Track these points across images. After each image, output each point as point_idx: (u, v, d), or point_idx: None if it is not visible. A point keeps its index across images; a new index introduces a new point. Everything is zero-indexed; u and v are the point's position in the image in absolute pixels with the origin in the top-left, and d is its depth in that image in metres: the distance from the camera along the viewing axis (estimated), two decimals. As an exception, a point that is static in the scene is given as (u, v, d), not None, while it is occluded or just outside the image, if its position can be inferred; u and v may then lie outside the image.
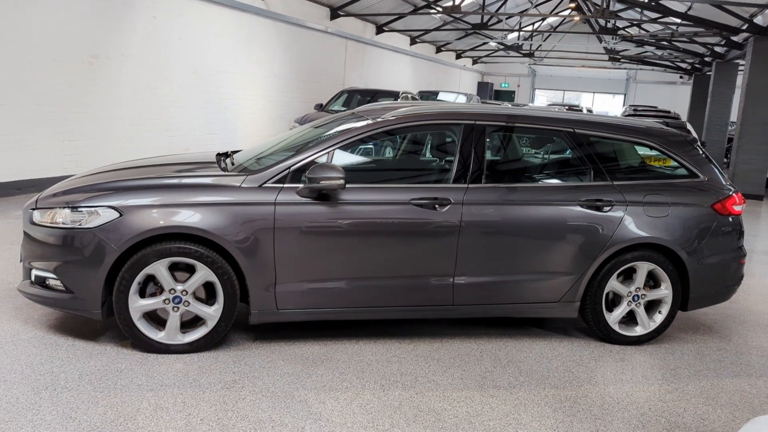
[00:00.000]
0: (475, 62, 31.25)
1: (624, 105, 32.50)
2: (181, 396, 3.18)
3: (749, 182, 12.97)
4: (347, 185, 3.78)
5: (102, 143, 9.26)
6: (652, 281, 4.36)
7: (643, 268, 4.24)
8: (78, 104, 8.77)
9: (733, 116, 19.88)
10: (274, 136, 4.69)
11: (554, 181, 4.33)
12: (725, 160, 19.81)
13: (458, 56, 28.04)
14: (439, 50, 25.31)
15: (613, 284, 4.23)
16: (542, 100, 34.85)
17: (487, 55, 29.76)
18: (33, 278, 3.73)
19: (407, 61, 22.08)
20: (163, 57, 10.36)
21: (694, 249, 4.25)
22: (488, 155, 4.22)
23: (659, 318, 4.35)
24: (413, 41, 22.06)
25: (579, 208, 4.11)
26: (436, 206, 3.91)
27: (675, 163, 4.47)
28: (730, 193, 4.43)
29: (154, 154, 9.26)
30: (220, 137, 12.11)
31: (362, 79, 18.00)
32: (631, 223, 4.15)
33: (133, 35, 9.67)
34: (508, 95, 33.43)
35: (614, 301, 4.34)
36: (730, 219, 4.40)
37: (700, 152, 4.51)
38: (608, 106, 34.51)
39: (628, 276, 4.31)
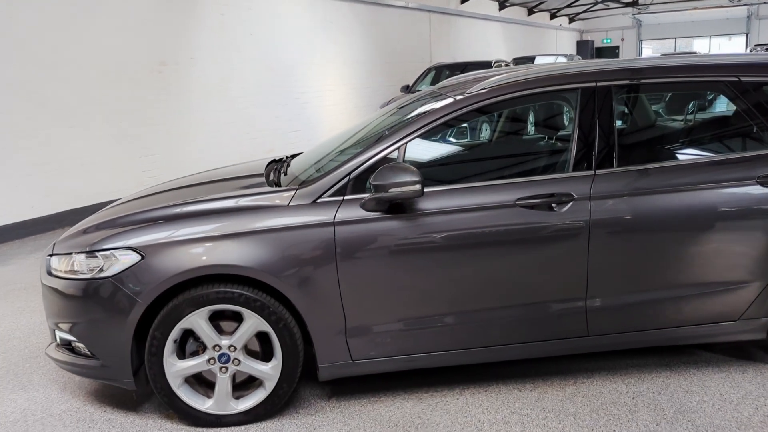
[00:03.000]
0: (572, 20, 28.90)
1: (747, 46, 28.96)
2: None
3: None
4: (426, 189, 2.82)
5: (180, 154, 8.81)
6: None
7: None
8: (150, 116, 8.33)
9: None
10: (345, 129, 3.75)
11: (715, 154, 3.13)
12: None
13: (553, 16, 25.97)
14: (531, 12, 23.49)
15: (817, 288, 2.99)
16: (649, 53, 31.79)
17: (585, 11, 27.38)
18: (58, 340, 3.06)
19: (497, 28, 20.56)
20: (235, 55, 9.78)
21: None
22: (619, 127, 3.10)
23: None
24: (502, 6, 20.49)
25: (759, 188, 2.90)
26: (553, 205, 2.85)
27: None
28: None
29: (236, 161, 8.69)
30: (304, 134, 11.45)
31: (450, 52, 16.80)
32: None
33: (201, 36, 9.13)
34: (611, 52, 30.73)
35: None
36: None
37: None
38: (727, 49, 30.93)
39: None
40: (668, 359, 3.29)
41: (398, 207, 2.81)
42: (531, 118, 3.73)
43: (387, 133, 3.00)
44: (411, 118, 3.04)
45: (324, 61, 12.00)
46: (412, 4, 14.81)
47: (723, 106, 3.14)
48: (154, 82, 8.37)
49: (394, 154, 2.91)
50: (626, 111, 3.28)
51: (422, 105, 3.24)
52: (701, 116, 3.79)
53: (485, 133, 3.91)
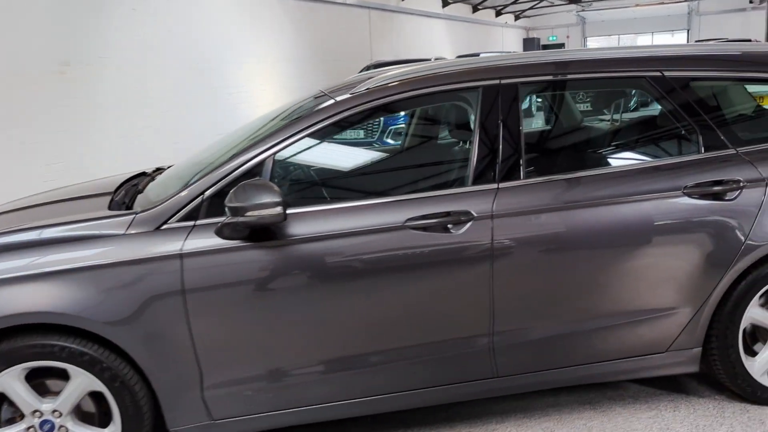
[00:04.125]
0: (517, 18, 28.85)
1: (688, 41, 29.44)
2: None
3: None
4: (298, 210, 2.33)
5: (89, 162, 8.08)
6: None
7: (802, 282, 2.61)
8: (52, 122, 7.59)
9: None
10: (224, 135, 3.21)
11: (637, 162, 2.72)
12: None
13: (498, 13, 25.80)
14: (475, 9, 23.24)
15: (755, 313, 2.62)
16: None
17: (530, 8, 27.34)
18: None
19: (441, 25, 20.21)
20: (152, 54, 9.09)
21: None
22: (528, 131, 2.66)
23: (834, 357, 2.72)
24: (445, 3, 20.15)
25: (686, 200, 2.50)
26: (449, 226, 2.39)
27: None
28: None
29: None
30: (234, 136, 10.81)
31: (392, 50, 16.35)
32: (778, 212, 2.52)
33: (111, 34, 8.41)
34: (557, 49, 30.93)
35: (757, 338, 2.73)
36: None
37: None
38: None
39: (771, 297, 2.70)
40: (592, 395, 2.87)
41: (262, 233, 2.30)
42: (430, 122, 3.26)
43: (251, 142, 2.49)
44: (282, 124, 2.54)
45: (255, 60, 11.39)
46: (350, 0, 14.30)
47: (654, 105, 2.74)
48: (56, 84, 7.63)
49: (266, 168, 2.40)
50: (540, 111, 2.85)
51: (302, 109, 2.74)
52: (626, 118, 3.39)
53: (373, 142, 3.43)
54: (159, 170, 3.28)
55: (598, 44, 32.85)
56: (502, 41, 26.86)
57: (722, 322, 2.60)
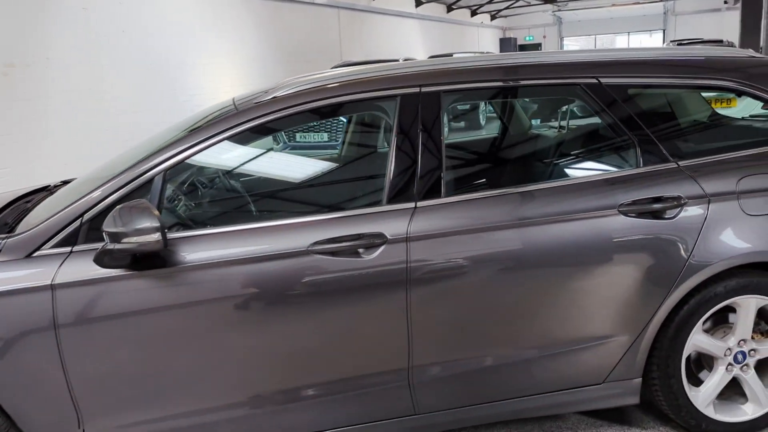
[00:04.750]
0: (493, 17, 28.74)
1: (664, 42, 29.55)
2: None
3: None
4: (189, 234, 2.09)
5: (38, 168, 7.74)
6: (767, 324, 2.54)
7: (749, 305, 2.41)
8: (-5, 126, 7.27)
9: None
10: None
11: (571, 176, 2.50)
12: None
13: (473, 13, 25.67)
14: (450, 9, 23.07)
15: (698, 340, 2.41)
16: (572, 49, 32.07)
17: (506, 8, 27.26)
18: None
19: (414, 25, 20.00)
20: (106, 55, 8.76)
21: (838, 262, 2.40)
22: (450, 144, 2.44)
23: (784, 385, 2.53)
24: (419, 2, 19.96)
25: (621, 219, 2.29)
26: (360, 250, 2.16)
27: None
28: None
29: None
30: (196, 139, 10.50)
31: (363, 50, 16.12)
32: (720, 231, 2.32)
33: (59, 34, 8.08)
34: (533, 49, 30.85)
35: (702, 366, 2.54)
36: None
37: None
38: (647, 45, 31.51)
39: (721, 321, 2.50)
40: (528, 427, 2.65)
41: (147, 261, 2.05)
42: (344, 134, 3.01)
43: (140, 157, 2.23)
44: (176, 137, 2.28)
45: (219, 60, 11.09)
46: (318, 0, 14.04)
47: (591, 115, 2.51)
48: (-1, 87, 7.30)
49: (155, 187, 2.15)
50: (464, 122, 2.62)
51: (204, 119, 2.48)
52: (565, 127, 3.16)
53: (287, 155, 3.14)
54: (65, 183, 3.01)
55: (577, 44, 32.87)
56: (477, 41, 26.73)
57: (663, 350, 2.39)
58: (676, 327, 2.37)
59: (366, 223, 2.18)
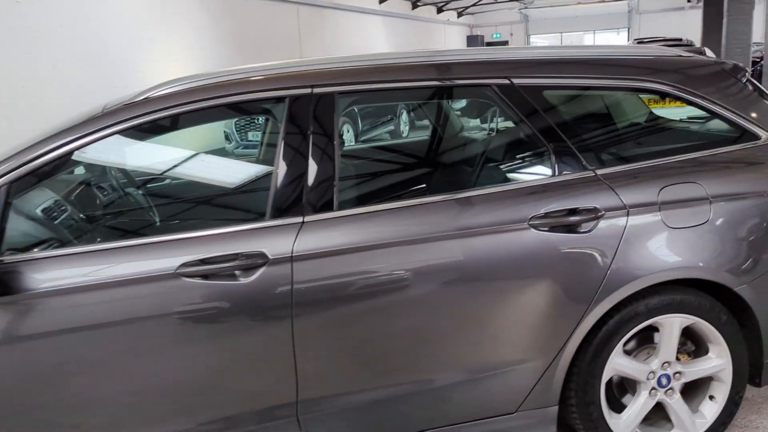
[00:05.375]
0: (460, 15, 28.59)
1: (629, 40, 29.73)
2: None
3: (787, 111, 10.62)
4: (31, 256, 1.82)
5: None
6: (693, 344, 2.37)
7: (672, 325, 2.23)
8: None
9: (757, 35, 17.41)
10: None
11: (478, 186, 2.26)
12: (750, 86, 17.42)
13: (440, 10, 25.48)
14: (415, 6, 22.84)
15: (619, 363, 2.23)
16: (539, 47, 32.06)
17: (472, 5, 27.13)
18: None
19: (378, 22, 19.73)
20: (41, 52, 8.35)
21: (765, 278, 2.23)
22: (346, 152, 2.21)
23: (713, 409, 2.35)
24: (383, -1, 19.73)
25: (532, 233, 2.08)
26: (237, 273, 1.92)
27: (708, 116, 2.42)
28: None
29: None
30: (145, 139, 10.12)
31: (325, 48, 15.82)
32: (640, 245, 2.13)
33: (-8, 28, 7.67)
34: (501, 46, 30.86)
35: (626, 390, 2.36)
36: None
37: (752, 89, 2.45)
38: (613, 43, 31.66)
39: (645, 341, 2.32)
40: (443, 458, 2.44)
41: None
42: (226, 141, 2.74)
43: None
44: (28, 143, 2.01)
45: (169, 58, 10.71)
46: (276, -5, 13.72)
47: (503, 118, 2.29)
48: None
49: None
50: (361, 127, 2.39)
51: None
52: (469, 134, 2.92)
53: (159, 165, 2.79)
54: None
55: (545, 42, 32.95)
56: (444, 39, 26.58)
57: (582, 374, 2.20)
58: (595, 349, 2.18)
59: (245, 240, 1.94)
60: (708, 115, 2.36)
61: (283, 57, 13.72)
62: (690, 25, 26.89)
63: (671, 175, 2.20)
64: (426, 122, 3.08)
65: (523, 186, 2.15)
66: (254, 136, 8.63)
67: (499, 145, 2.40)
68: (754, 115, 2.36)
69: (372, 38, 19.20)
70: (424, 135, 2.80)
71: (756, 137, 2.34)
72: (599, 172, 2.18)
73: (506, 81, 2.22)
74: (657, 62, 2.35)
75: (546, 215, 2.09)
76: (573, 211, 2.11)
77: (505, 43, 31.12)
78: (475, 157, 2.40)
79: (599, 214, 2.11)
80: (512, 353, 2.13)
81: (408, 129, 10.13)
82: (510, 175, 2.23)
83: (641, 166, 2.22)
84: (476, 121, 3.34)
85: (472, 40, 29.64)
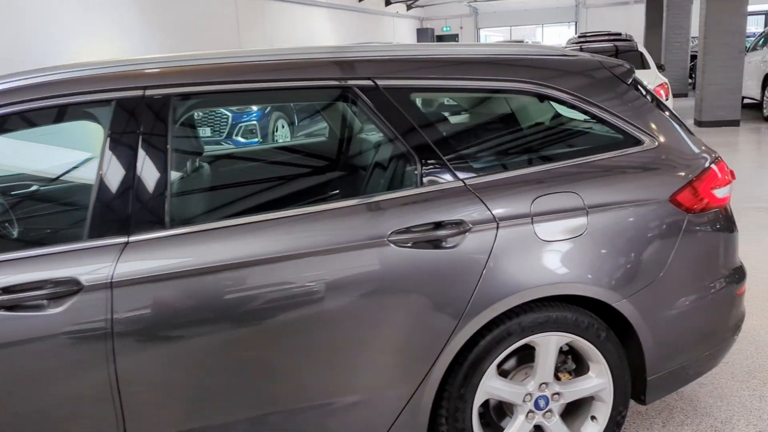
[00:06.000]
0: (409, 7, 28.47)
1: (576, 34, 30.12)
2: None
3: (721, 106, 10.83)
4: None
5: None
6: (573, 362, 2.24)
7: (548, 344, 2.09)
8: None
9: (694, 30, 17.76)
10: None
11: (334, 199, 2.03)
12: (690, 81, 17.78)
13: (387, 2, 25.32)
14: (362, -2, 22.65)
15: (492, 386, 2.07)
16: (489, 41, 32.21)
17: (422, -2, 27.08)
18: None
19: (323, 14, 19.43)
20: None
21: (645, 292, 2.11)
22: (180, 162, 1.98)
23: (594, 430, 2.22)
24: (329, -9, 19.43)
25: (392, 250, 1.90)
26: (45, 302, 1.68)
27: (592, 120, 2.27)
28: (705, 165, 2.25)
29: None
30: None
31: (265, 40, 15.46)
32: (511, 260, 1.97)
33: None
34: (451, 40, 30.78)
35: (503, 413, 2.21)
36: (712, 217, 2.23)
37: (642, 94, 2.31)
38: (561, 38, 32.01)
39: (526, 360, 2.17)
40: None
41: None
42: (44, 152, 2.46)
43: None
44: None
45: (93, 56, 10.23)
46: (212, -14, 13.29)
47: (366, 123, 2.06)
48: None
49: None
50: (200, 133, 2.17)
51: None
52: (327, 141, 2.70)
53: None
54: None
55: (496, 37, 33.08)
56: (393, 32, 26.42)
57: (451, 400, 2.04)
58: (466, 373, 2.02)
59: (55, 265, 1.70)
60: (589, 119, 2.21)
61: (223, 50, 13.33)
62: (635, 20, 27.38)
63: (546, 183, 2.05)
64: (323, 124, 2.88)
65: (384, 198, 1.96)
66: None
67: (361, 152, 2.20)
68: (638, 119, 2.22)
69: (317, 31, 18.88)
70: (273, 142, 2.59)
71: (639, 142, 2.20)
72: (469, 182, 2.01)
73: (369, 82, 2.02)
74: (534, 62, 2.19)
75: (407, 230, 1.91)
76: (438, 225, 1.94)
77: (455, 36, 31.13)
78: (334, 167, 2.20)
79: (466, 227, 1.95)
80: (373, 380, 1.95)
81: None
82: (371, 187, 2.04)
83: (515, 175, 2.06)
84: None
85: (422, 34, 29.57)
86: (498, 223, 1.97)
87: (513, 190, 2.02)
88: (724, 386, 2.78)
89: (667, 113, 2.32)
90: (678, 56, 16.67)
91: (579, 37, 15.24)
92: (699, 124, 11.09)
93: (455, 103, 2.21)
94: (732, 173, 2.34)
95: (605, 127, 2.21)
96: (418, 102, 2.08)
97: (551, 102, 2.21)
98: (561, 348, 2.16)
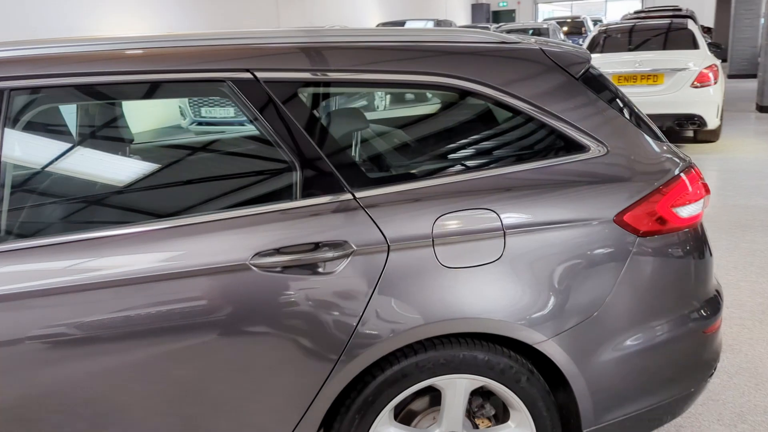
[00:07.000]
0: (465, -18, 27.66)
1: (643, 7, 28.53)
2: None
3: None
4: None
5: None
6: (494, 408, 1.90)
7: (455, 388, 1.76)
8: None
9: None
10: None
11: (189, 214, 1.68)
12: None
13: (441, -23, 24.59)
14: (414, -28, 22.03)
15: (387, 433, 1.77)
16: (542, 18, 30.84)
17: (478, -27, 26.15)
18: None
19: (369, -12, 18.98)
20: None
21: (577, 331, 1.74)
22: (18, 168, 1.73)
23: (516, 488, 1.89)
24: (376, -35, 18.93)
25: (256, 275, 1.61)
26: None
27: (522, 121, 1.86)
28: (669, 176, 1.84)
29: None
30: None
31: (306, 18, 15.18)
32: (404, 290, 1.65)
33: None
34: (508, 15, 29.67)
35: (404, 460, 1.90)
36: (673, 240, 1.83)
37: (596, 89, 1.90)
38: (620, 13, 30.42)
39: (436, 402, 1.85)
40: None
41: None
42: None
43: None
44: None
45: (128, 22, 10.23)
46: (251, -39, 13.08)
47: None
48: None
49: None
50: (51, 137, 1.90)
51: None
52: (188, 141, 2.35)
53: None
54: None
55: (552, 12, 31.74)
56: (446, 7, 25.66)
57: (331, 453, 1.74)
58: (350, 420, 1.72)
59: None
60: (520, 119, 1.84)
61: (261, 27, 13.17)
62: (706, -5, 25.65)
63: (456, 198, 1.71)
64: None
65: (250, 213, 1.66)
66: (207, 112, 8.14)
67: (231, 158, 1.90)
68: (584, 120, 1.83)
69: (361, 5, 18.45)
70: (117, 143, 2.29)
71: (582, 148, 1.82)
72: (360, 194, 1.69)
73: (248, 75, 1.72)
74: (452, 50, 1.83)
75: (275, 252, 1.62)
76: (315, 247, 1.63)
77: (512, 12, 30.03)
78: (193, 176, 1.90)
79: (349, 250, 1.63)
80: (238, 428, 1.67)
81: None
82: (239, 199, 1.74)
83: (418, 187, 1.72)
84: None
85: (477, 9, 28.65)
86: (389, 246, 1.65)
87: (413, 205, 1.68)
88: (706, 431, 2.38)
89: (627, 113, 1.92)
90: (747, 34, 15.46)
91: (634, 13, 14.34)
92: (761, 109, 10.21)
93: (356, 101, 1.87)
94: (706, 186, 1.92)
95: (541, 130, 1.83)
96: (307, 99, 1.76)
97: (471, 99, 1.84)
98: (481, 389, 1.83)
